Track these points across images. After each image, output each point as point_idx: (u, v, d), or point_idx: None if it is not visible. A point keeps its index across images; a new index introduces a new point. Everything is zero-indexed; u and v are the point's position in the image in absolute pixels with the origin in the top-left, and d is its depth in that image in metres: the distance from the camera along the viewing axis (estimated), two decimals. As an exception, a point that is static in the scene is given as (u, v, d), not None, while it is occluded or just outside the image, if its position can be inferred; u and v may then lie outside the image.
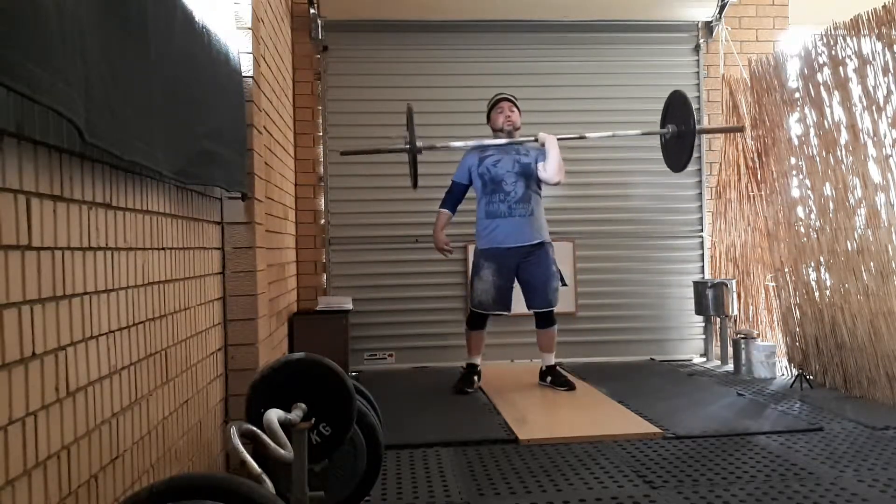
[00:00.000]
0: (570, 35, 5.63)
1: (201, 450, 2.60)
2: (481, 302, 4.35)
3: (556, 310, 4.42)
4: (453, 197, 4.48)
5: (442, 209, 4.48)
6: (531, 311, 4.41)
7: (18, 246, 1.32)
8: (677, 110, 4.22)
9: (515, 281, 4.38)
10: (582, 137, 4.36)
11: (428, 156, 5.45)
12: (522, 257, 4.32)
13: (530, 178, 4.31)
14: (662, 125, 4.37)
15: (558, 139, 4.24)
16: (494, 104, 4.46)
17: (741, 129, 4.93)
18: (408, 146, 4.09)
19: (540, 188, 4.39)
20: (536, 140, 4.27)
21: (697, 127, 4.11)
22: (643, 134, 4.53)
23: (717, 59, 5.72)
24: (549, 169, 4.21)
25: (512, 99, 4.44)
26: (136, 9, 1.73)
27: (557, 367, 4.50)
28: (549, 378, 4.46)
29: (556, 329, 4.46)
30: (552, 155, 4.19)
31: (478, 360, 4.52)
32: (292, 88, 5.32)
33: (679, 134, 4.20)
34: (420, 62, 5.55)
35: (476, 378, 4.48)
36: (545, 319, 4.41)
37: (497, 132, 4.43)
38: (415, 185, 4.21)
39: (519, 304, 4.46)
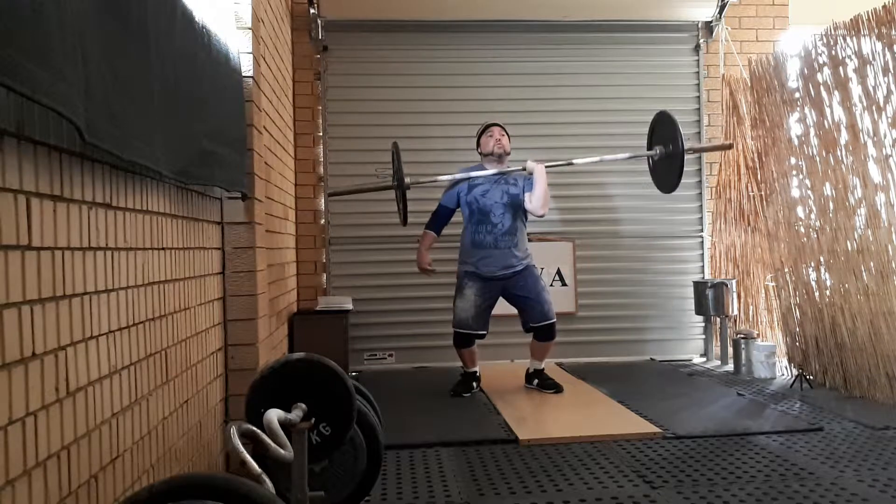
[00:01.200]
0: (570, 35, 5.63)
1: (201, 450, 2.60)
2: (462, 320, 4.32)
3: (555, 309, 4.40)
4: (440, 219, 4.44)
5: (427, 230, 4.45)
6: (530, 329, 4.35)
7: (18, 246, 1.32)
8: (664, 130, 4.21)
9: (498, 301, 4.36)
10: (570, 164, 4.41)
11: (427, 155, 5.47)
12: (507, 280, 4.30)
13: (518, 209, 4.29)
14: (649, 147, 4.38)
15: (546, 167, 4.24)
16: (484, 129, 4.41)
17: (729, 147, 4.90)
18: (395, 183, 4.09)
19: (526, 217, 4.38)
20: (524, 169, 4.26)
21: (686, 146, 4.08)
22: (631, 157, 4.54)
23: (717, 59, 5.72)
24: (535, 201, 4.19)
25: (501, 125, 4.40)
26: (136, 9, 1.73)
27: (545, 371, 4.47)
28: (535, 381, 4.44)
29: (551, 344, 4.41)
30: (538, 187, 4.17)
31: (475, 369, 4.48)
32: (292, 88, 5.32)
33: (667, 155, 4.20)
34: (420, 62, 5.55)
35: (475, 384, 4.45)
36: (546, 333, 4.34)
37: (487, 156, 4.37)
38: (404, 222, 4.18)
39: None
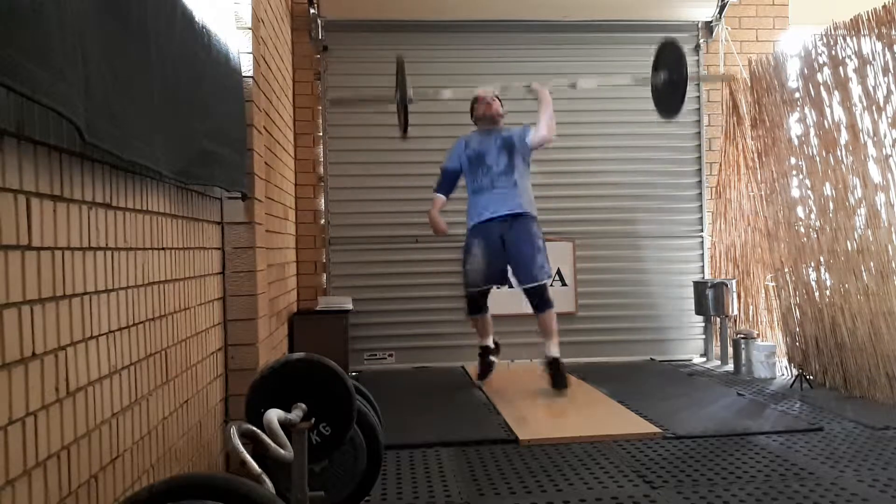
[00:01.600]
0: (570, 35, 5.63)
1: (201, 450, 2.60)
2: (473, 280, 4.32)
3: (555, 309, 4.39)
4: (446, 181, 4.54)
5: (437, 194, 4.54)
6: (523, 292, 4.35)
7: (18, 246, 1.32)
8: (668, 56, 4.20)
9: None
10: (573, 86, 4.50)
11: (427, 155, 5.47)
12: (506, 229, 4.29)
13: (513, 150, 4.37)
14: (654, 71, 4.34)
15: (550, 85, 4.38)
16: (476, 98, 4.52)
17: (731, 79, 4.91)
18: (399, 97, 4.13)
19: (526, 161, 4.41)
20: (529, 87, 4.36)
21: (689, 72, 4.10)
22: (636, 84, 4.61)
23: (717, 59, 5.72)
24: (541, 125, 4.29)
25: (492, 92, 4.48)
26: (136, 9, 1.73)
27: (561, 364, 4.32)
28: (549, 369, 4.32)
29: (552, 313, 4.32)
30: (544, 110, 4.28)
31: (489, 341, 4.50)
32: (292, 88, 5.32)
33: (671, 81, 4.17)
34: (420, 62, 5.54)
35: (492, 357, 4.50)
36: (538, 299, 4.28)
37: (480, 121, 4.50)
38: (404, 133, 4.27)
39: (518, 305, 4.45)
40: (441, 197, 4.52)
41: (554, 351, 4.36)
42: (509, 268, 4.35)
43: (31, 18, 1.09)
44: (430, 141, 5.48)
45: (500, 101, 4.49)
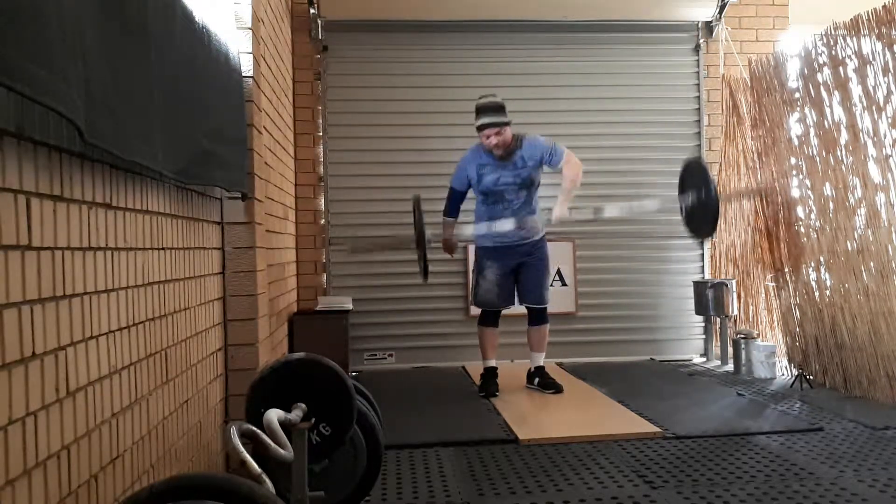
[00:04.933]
0: (570, 35, 5.63)
1: (201, 450, 2.60)
2: (487, 301, 4.34)
3: (555, 310, 4.40)
4: (454, 203, 4.38)
5: (446, 218, 4.38)
6: (524, 307, 4.41)
7: (18, 246, 1.32)
8: (695, 177, 3.99)
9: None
10: (597, 217, 4.23)
11: (427, 155, 5.48)
12: (523, 255, 4.29)
13: (532, 185, 4.25)
14: (681, 194, 4.12)
15: (572, 214, 4.16)
16: (477, 129, 4.17)
17: (763, 192, 4.84)
18: (417, 239, 3.94)
19: (538, 183, 4.33)
20: (550, 221, 4.14)
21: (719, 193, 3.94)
22: (659, 210, 4.49)
23: (717, 59, 5.72)
24: (566, 182, 4.12)
25: (492, 123, 4.08)
26: (136, 9, 1.73)
27: (545, 370, 4.45)
28: (536, 380, 4.42)
29: (547, 328, 4.42)
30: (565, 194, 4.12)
31: (494, 362, 4.44)
32: (292, 88, 5.32)
33: (700, 203, 3.93)
34: (420, 62, 5.55)
35: (496, 381, 4.41)
36: (537, 316, 4.39)
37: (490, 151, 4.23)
38: (425, 279, 4.04)
39: (519, 305, 4.46)
40: (451, 220, 4.38)
41: (539, 361, 4.45)
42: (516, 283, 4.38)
43: (31, 18, 1.09)
44: (430, 141, 5.49)
45: (501, 126, 4.09)
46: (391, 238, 4.34)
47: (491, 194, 4.25)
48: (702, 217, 3.97)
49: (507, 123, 4.12)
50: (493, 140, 4.12)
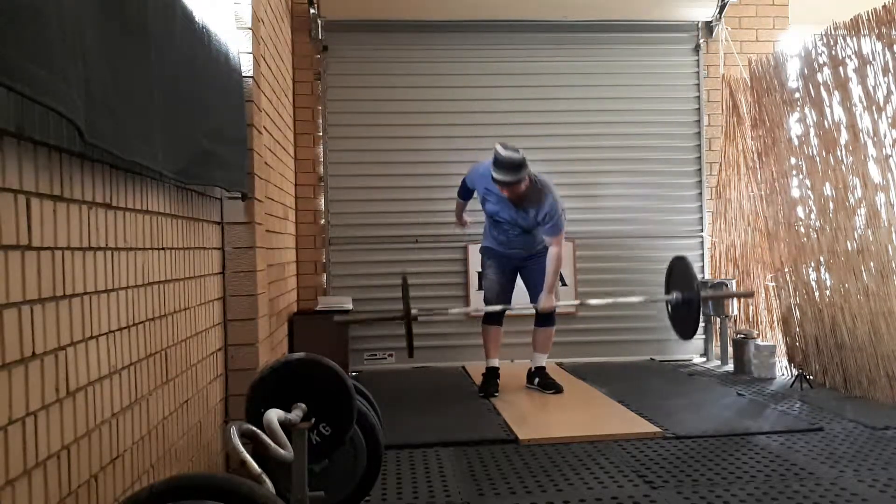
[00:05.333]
0: (570, 35, 5.63)
1: (201, 450, 2.60)
2: (487, 300, 4.40)
3: (556, 309, 4.41)
4: (466, 191, 4.49)
5: (459, 200, 4.59)
6: (533, 307, 4.42)
7: (18, 246, 1.32)
8: (680, 277, 4.12)
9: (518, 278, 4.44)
10: (583, 304, 4.42)
11: (427, 155, 5.48)
12: (522, 260, 4.38)
13: (532, 231, 4.27)
14: (667, 292, 4.27)
15: (556, 306, 4.32)
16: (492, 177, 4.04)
17: (750, 295, 4.89)
18: (403, 314, 4.00)
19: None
20: (537, 307, 4.27)
21: (702, 293, 4.00)
22: (646, 301, 4.71)
23: (717, 59, 5.72)
24: (550, 262, 4.21)
25: (504, 182, 3.95)
26: (136, 9, 1.73)
27: (546, 370, 4.47)
28: (536, 380, 4.44)
29: (553, 330, 4.44)
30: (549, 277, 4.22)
31: (497, 362, 4.45)
32: (292, 88, 5.32)
33: (684, 300, 4.07)
34: (420, 62, 5.55)
35: (498, 382, 4.42)
36: (544, 318, 4.41)
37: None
38: (410, 355, 4.06)
39: (518, 303, 4.46)
40: (462, 202, 4.60)
41: (541, 362, 4.47)
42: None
43: (31, 18, 1.09)
44: (430, 141, 5.49)
45: (515, 184, 3.95)
46: (385, 312, 4.56)
47: (496, 222, 4.33)
48: (685, 317, 4.11)
49: (521, 181, 3.97)
50: (505, 192, 4.05)
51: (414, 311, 3.99)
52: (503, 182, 3.95)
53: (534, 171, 4.13)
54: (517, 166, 3.92)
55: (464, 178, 4.48)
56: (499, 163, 3.92)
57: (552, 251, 4.18)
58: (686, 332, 4.20)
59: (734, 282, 5.23)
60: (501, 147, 3.94)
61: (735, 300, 5.21)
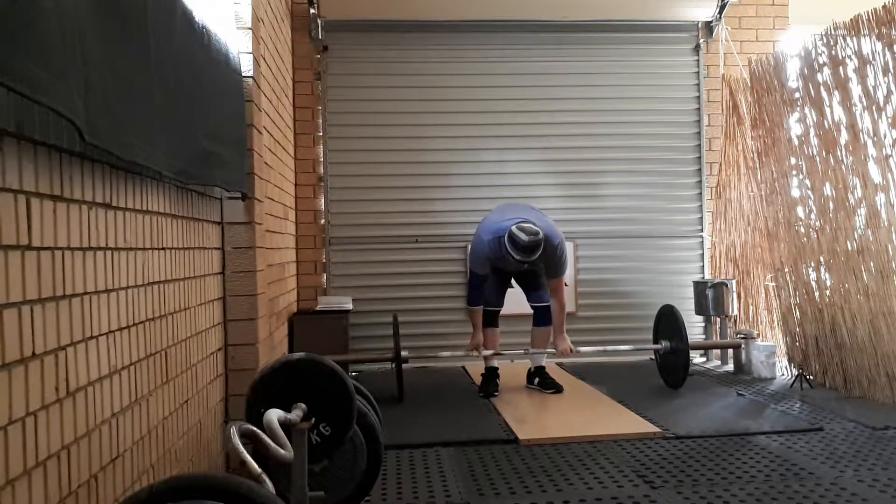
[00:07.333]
0: (570, 35, 5.63)
1: (201, 450, 2.60)
2: (490, 301, 4.41)
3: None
4: (477, 289, 4.29)
5: (474, 308, 4.33)
6: (530, 306, 4.45)
7: (18, 246, 1.32)
8: (669, 325, 4.35)
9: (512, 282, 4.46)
10: (577, 351, 4.46)
11: (427, 155, 5.48)
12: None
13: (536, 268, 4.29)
14: (655, 341, 4.54)
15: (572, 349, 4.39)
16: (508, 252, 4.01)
17: (738, 346, 4.87)
18: (393, 356, 4.14)
19: None
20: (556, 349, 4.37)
21: (690, 342, 4.23)
22: (635, 349, 4.86)
23: (717, 59, 5.72)
24: (555, 308, 4.33)
25: (534, 259, 3.99)
26: (136, 9, 1.73)
27: (545, 370, 4.48)
28: (536, 380, 4.45)
29: (551, 329, 4.43)
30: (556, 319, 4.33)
31: (495, 363, 4.48)
32: (292, 88, 5.32)
33: (672, 349, 4.39)
34: (420, 62, 5.55)
35: (498, 382, 4.44)
36: (541, 317, 4.41)
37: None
38: (400, 398, 4.15)
39: (519, 303, 4.46)
40: (479, 309, 4.34)
41: (540, 361, 4.50)
42: (516, 285, 4.48)
43: (31, 18, 1.09)
44: (430, 141, 5.49)
45: (533, 258, 3.95)
46: (377, 351, 4.80)
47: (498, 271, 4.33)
48: (673, 364, 4.38)
49: (541, 250, 3.97)
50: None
51: (404, 354, 4.19)
52: (529, 261, 4.00)
53: (534, 216, 4.16)
54: (538, 243, 3.92)
55: (470, 272, 4.33)
56: (523, 249, 3.91)
57: (557, 298, 4.30)
58: (675, 381, 4.37)
59: (734, 282, 5.23)
60: (521, 232, 3.90)
61: (735, 299, 5.20)
